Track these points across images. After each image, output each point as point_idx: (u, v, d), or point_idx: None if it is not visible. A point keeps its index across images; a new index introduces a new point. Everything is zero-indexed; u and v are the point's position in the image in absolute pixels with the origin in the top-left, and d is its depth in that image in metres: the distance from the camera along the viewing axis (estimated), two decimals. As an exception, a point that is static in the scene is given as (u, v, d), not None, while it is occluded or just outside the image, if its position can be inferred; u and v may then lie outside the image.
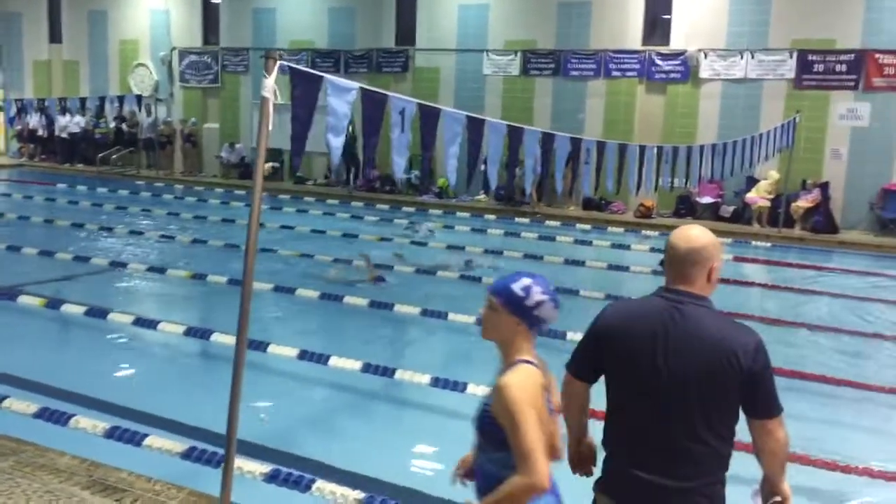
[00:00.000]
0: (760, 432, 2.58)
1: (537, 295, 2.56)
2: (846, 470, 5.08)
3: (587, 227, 15.68)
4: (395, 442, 5.52)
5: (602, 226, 15.85)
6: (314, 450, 5.18)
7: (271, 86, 3.16)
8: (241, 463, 4.49)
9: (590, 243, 13.77)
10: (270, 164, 20.61)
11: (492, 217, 16.56)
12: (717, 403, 2.51)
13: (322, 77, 3.59)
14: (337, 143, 3.83)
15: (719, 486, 2.57)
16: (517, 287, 2.57)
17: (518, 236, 14.24)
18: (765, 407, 2.56)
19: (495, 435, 2.49)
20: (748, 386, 2.50)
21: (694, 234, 2.65)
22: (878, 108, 15.74)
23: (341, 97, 3.72)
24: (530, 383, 2.51)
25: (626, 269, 11.34)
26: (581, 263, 11.71)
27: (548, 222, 15.91)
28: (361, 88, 3.90)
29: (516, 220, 16.15)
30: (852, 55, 15.78)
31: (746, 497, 2.79)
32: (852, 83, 15.86)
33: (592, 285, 10.04)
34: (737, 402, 2.54)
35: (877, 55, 15.57)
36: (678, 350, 2.52)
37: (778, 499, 2.69)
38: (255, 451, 4.94)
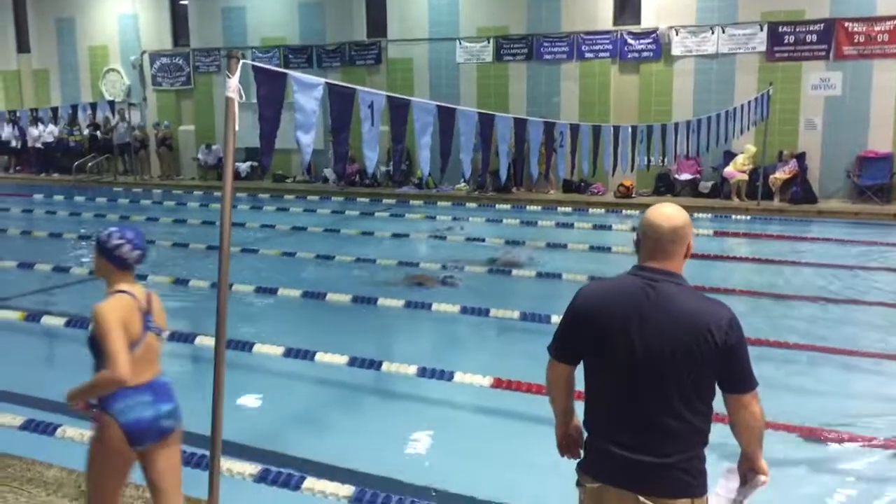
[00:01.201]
0: (736, 407, 2.60)
1: (115, 240, 3.29)
2: (833, 437, 5.14)
3: (568, 209, 15.70)
4: (384, 434, 5.52)
5: (583, 208, 15.88)
6: (304, 447, 5.18)
7: (235, 85, 3.14)
8: (230, 465, 4.49)
9: (571, 226, 13.80)
10: (249, 164, 20.56)
11: (473, 205, 16.56)
12: (692, 379, 2.52)
13: (286, 74, 3.57)
14: (307, 140, 3.81)
15: (698, 461, 2.59)
16: (101, 235, 3.34)
17: (500, 223, 14.26)
18: (740, 381, 2.57)
19: (98, 350, 3.23)
20: (723, 361, 2.52)
21: (671, 212, 2.68)
22: (849, 76, 15.84)
23: (308, 93, 3.70)
24: (119, 306, 3.23)
25: (609, 249, 11.37)
26: (563, 247, 11.75)
27: (529, 207, 15.93)
28: (327, 83, 3.89)
29: (497, 206, 16.16)
30: (822, 25, 15.85)
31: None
32: (823, 53, 15.95)
33: (575, 268, 10.07)
34: (712, 377, 2.55)
35: (846, 23, 15.66)
36: (653, 327, 2.53)
37: (763, 478, 2.71)
38: (244, 452, 4.93)
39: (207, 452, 3.72)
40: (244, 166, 20.56)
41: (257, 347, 6.68)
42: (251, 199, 17.90)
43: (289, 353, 6.58)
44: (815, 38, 15.95)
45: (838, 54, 15.83)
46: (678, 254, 2.66)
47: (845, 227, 13.68)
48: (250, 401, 5.98)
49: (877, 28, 15.48)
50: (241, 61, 3.19)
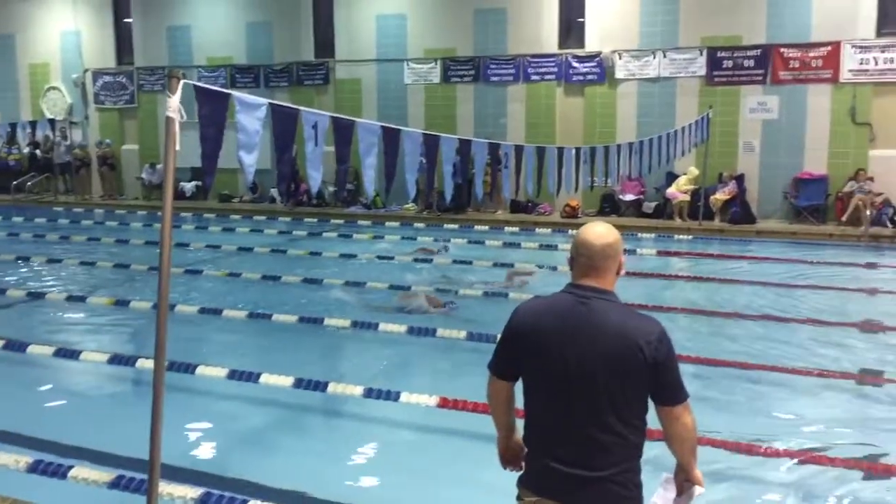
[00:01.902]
0: (669, 419, 2.67)
1: None
2: (765, 453, 5.26)
3: (515, 229, 15.85)
4: (329, 455, 5.49)
5: (530, 227, 16.06)
6: (247, 470, 5.12)
7: (176, 105, 3.13)
8: (171, 489, 4.41)
9: (518, 245, 13.92)
10: (194, 184, 20.32)
11: (421, 225, 16.61)
12: (625, 394, 2.59)
13: (229, 94, 3.58)
14: (250, 160, 3.81)
15: (633, 474, 2.65)
16: None
17: (448, 243, 14.32)
18: (671, 394, 2.65)
19: None
20: (654, 374, 2.59)
21: (602, 230, 2.76)
22: (785, 100, 16.37)
23: (251, 114, 3.71)
24: None
25: (555, 268, 11.49)
26: (510, 266, 11.85)
27: (476, 227, 16.04)
28: (270, 104, 3.90)
29: (445, 226, 16.23)
30: (759, 50, 16.39)
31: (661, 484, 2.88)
32: (760, 77, 16.47)
33: (522, 287, 10.16)
34: (644, 391, 2.62)
35: (782, 49, 16.21)
36: (586, 343, 2.60)
37: (698, 489, 2.78)
38: (186, 475, 4.86)
39: (146, 476, 3.66)
40: (189, 186, 20.33)
41: (200, 370, 6.57)
42: (196, 219, 17.68)
43: (233, 374, 6.50)
44: (752, 63, 16.47)
45: (775, 79, 16.36)
46: (610, 271, 2.73)
47: (783, 246, 14.06)
48: (192, 423, 5.88)
49: (811, 54, 16.05)
50: (183, 81, 3.19)
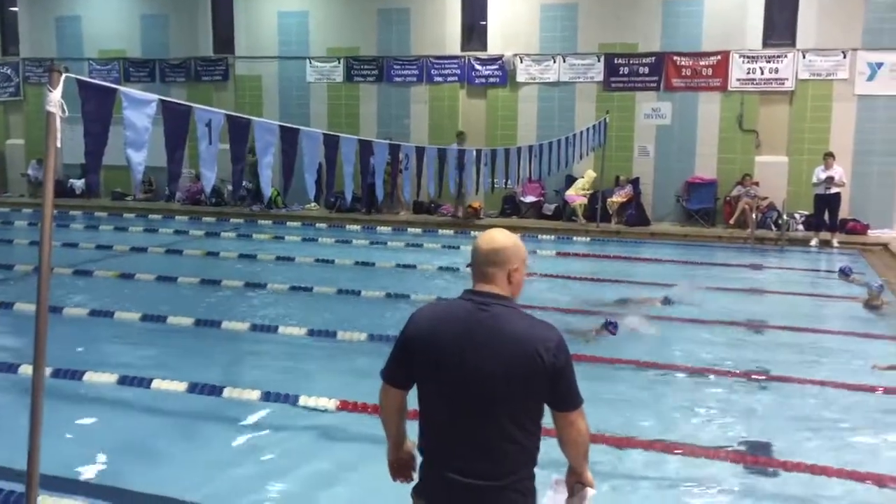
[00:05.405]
0: (563, 424, 2.69)
1: None
2: (654, 448, 5.44)
3: (418, 230, 15.88)
4: (223, 463, 5.34)
5: (433, 229, 16.11)
6: (138, 480, 4.93)
7: (57, 100, 3.00)
8: (54, 500, 4.23)
9: (421, 246, 13.95)
10: (84, 180, 19.51)
11: (323, 226, 16.44)
12: (522, 400, 2.58)
13: (116, 89, 3.44)
14: (138, 158, 3.67)
15: (528, 481, 2.66)
16: None
17: (349, 243, 14.23)
18: (567, 400, 2.66)
19: None
20: (551, 381, 2.58)
21: (495, 236, 2.73)
22: (678, 106, 16.98)
23: (139, 110, 3.58)
24: None
25: (457, 270, 11.57)
26: (413, 267, 11.86)
27: (379, 228, 15.99)
28: (161, 100, 3.77)
29: (347, 227, 16.11)
30: (653, 58, 16.93)
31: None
32: (655, 84, 17.03)
33: (423, 289, 10.18)
34: (541, 397, 2.62)
35: (675, 57, 16.80)
36: (483, 350, 2.57)
37: (591, 490, 2.82)
38: (71, 486, 4.66)
39: (24, 487, 3.48)
40: (79, 183, 19.52)
41: (88, 375, 6.32)
42: (87, 218, 16.98)
43: (123, 380, 6.27)
44: (647, 70, 17.01)
45: (668, 86, 16.94)
46: (499, 277, 2.69)
47: (674, 247, 14.55)
48: (79, 432, 5.64)
49: (702, 63, 16.70)
50: (65, 75, 3.05)
